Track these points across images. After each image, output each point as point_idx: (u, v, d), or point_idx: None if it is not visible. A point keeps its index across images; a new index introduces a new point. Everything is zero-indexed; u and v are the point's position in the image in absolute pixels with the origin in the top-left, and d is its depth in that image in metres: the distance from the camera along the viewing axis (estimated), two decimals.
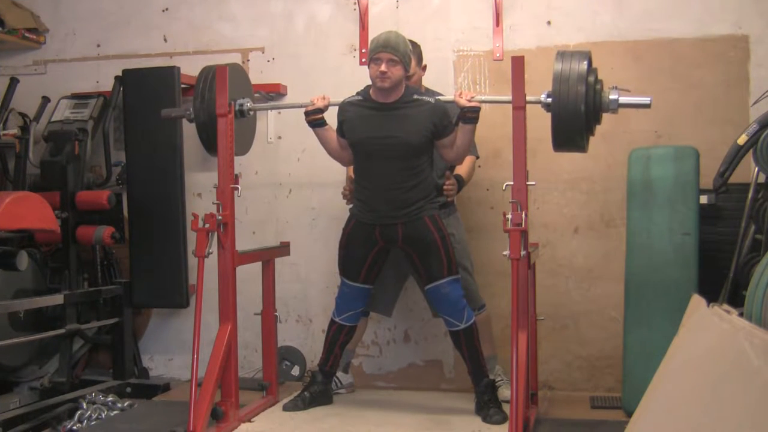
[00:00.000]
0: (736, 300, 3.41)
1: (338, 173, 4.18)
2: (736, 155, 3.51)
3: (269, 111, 4.60)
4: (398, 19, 4.45)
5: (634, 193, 3.67)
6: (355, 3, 4.49)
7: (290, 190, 4.63)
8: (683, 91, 4.12)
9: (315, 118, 3.55)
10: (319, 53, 4.58)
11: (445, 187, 3.73)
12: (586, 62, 3.15)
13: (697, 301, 2.22)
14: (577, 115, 3.11)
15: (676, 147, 3.71)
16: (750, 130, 3.45)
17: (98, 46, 4.90)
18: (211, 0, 4.75)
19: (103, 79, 4.75)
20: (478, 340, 3.54)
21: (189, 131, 4.43)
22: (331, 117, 3.63)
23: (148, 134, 4.39)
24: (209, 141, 3.55)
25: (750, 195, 3.67)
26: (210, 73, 3.55)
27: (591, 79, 3.16)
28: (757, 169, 3.59)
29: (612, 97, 3.18)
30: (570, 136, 3.19)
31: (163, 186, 4.39)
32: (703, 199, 3.74)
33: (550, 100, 3.17)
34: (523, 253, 3.03)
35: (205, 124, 3.54)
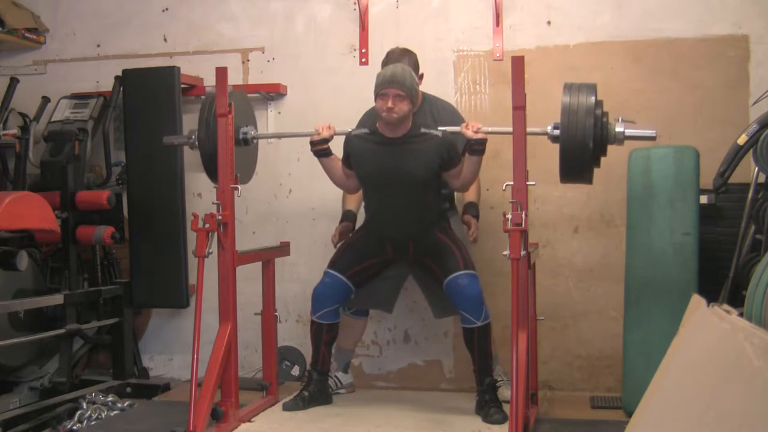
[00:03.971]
0: (736, 300, 3.41)
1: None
2: (736, 155, 3.51)
3: (269, 111, 4.61)
4: (398, 19, 4.45)
5: (634, 193, 3.67)
6: (355, 3, 4.49)
7: (290, 190, 4.63)
8: (683, 91, 4.12)
9: (321, 148, 3.56)
10: (319, 53, 4.58)
11: (471, 236, 3.78)
12: (593, 95, 3.15)
13: (697, 301, 2.23)
14: (584, 149, 3.12)
15: (676, 147, 3.71)
16: (750, 130, 3.45)
17: (98, 46, 4.90)
18: (211, 0, 4.75)
19: (103, 79, 4.75)
20: (490, 339, 3.53)
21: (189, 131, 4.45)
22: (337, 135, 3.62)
23: (148, 134, 4.38)
24: (214, 170, 3.46)
25: (750, 195, 3.67)
26: (212, 102, 3.49)
27: (598, 111, 3.16)
28: (757, 169, 3.58)
29: (618, 129, 3.18)
30: (577, 170, 3.21)
31: (163, 186, 4.39)
32: (703, 199, 3.74)
33: (557, 132, 3.17)
34: (523, 253, 3.03)
35: (211, 155, 3.48)
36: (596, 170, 4.18)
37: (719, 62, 4.08)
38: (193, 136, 3.57)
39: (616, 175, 4.06)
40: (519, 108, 3.17)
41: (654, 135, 3.23)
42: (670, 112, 4.11)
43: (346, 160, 3.59)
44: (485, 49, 4.37)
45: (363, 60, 4.47)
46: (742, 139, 3.47)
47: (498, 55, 4.33)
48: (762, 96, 3.76)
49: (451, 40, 4.41)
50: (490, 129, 3.38)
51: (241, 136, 3.56)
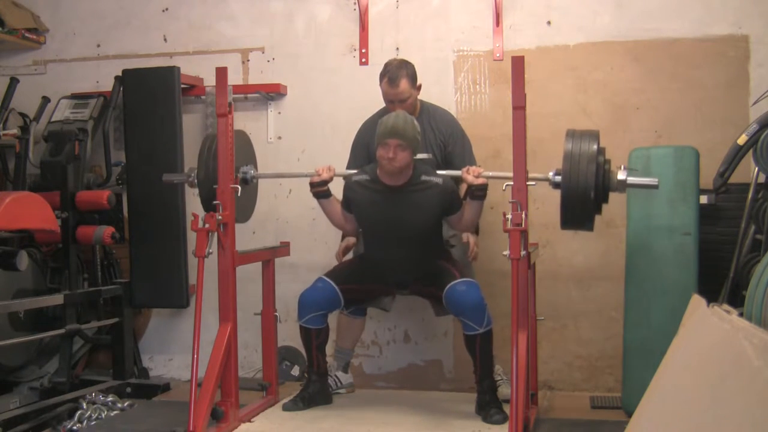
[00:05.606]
0: (736, 300, 3.41)
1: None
2: (736, 155, 3.51)
3: (269, 111, 4.61)
4: (398, 19, 4.45)
5: (635, 192, 3.67)
6: (355, 3, 4.49)
7: (290, 190, 4.63)
8: (683, 91, 4.12)
9: (320, 191, 3.58)
10: (319, 53, 4.58)
11: (470, 253, 3.79)
12: (595, 143, 3.15)
13: (697, 301, 2.22)
14: (586, 198, 3.12)
15: (676, 147, 3.71)
16: (750, 130, 3.45)
17: (98, 46, 4.90)
18: (211, 0, 4.75)
19: (103, 79, 4.75)
20: (492, 345, 3.51)
21: (189, 131, 4.45)
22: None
23: (148, 134, 4.39)
24: (213, 209, 3.42)
25: (750, 195, 3.67)
26: (213, 144, 3.48)
27: (600, 159, 3.15)
28: (757, 169, 3.58)
29: (620, 177, 3.17)
30: (579, 218, 3.21)
31: (163, 186, 4.37)
32: (703, 199, 3.74)
33: (559, 178, 3.17)
34: (523, 253, 3.03)
35: (209, 194, 3.46)
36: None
37: (719, 62, 4.08)
38: (193, 174, 3.58)
39: None
40: (519, 108, 3.18)
41: (656, 184, 3.22)
42: (670, 112, 4.11)
43: (347, 204, 3.62)
44: (485, 49, 4.37)
45: (363, 60, 4.47)
46: (742, 139, 3.47)
47: (498, 55, 4.32)
48: (762, 96, 3.76)
49: (451, 40, 4.41)
50: (491, 174, 3.40)
51: (240, 176, 3.55)
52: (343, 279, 3.61)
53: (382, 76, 3.78)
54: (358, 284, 3.63)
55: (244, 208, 3.74)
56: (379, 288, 3.68)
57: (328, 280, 3.60)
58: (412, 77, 3.78)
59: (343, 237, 3.98)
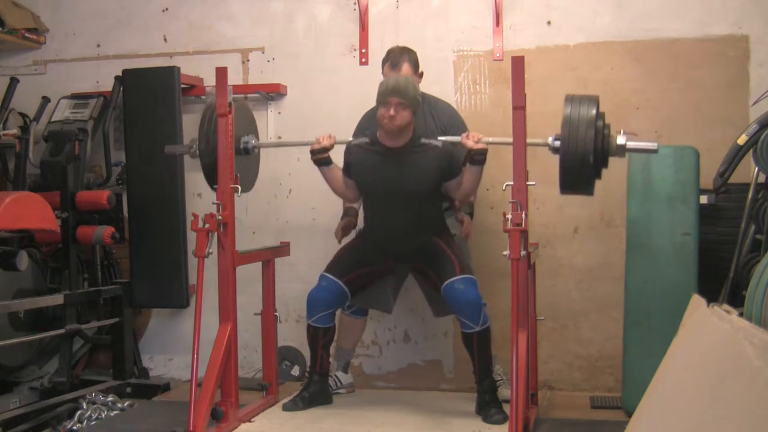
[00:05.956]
0: (736, 300, 3.41)
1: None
2: (736, 155, 3.51)
3: (269, 111, 4.61)
4: (398, 19, 4.45)
5: (634, 192, 3.67)
6: (355, 3, 4.49)
7: (290, 190, 4.63)
8: (683, 91, 4.12)
9: (321, 158, 3.58)
10: (319, 53, 4.58)
11: (464, 232, 3.78)
12: (595, 107, 3.14)
13: (697, 301, 2.22)
14: (585, 162, 3.11)
15: (676, 147, 3.70)
16: (750, 130, 3.45)
17: (98, 46, 4.90)
18: (210, 0, 4.75)
19: (103, 79, 4.75)
20: (490, 343, 3.52)
21: (189, 131, 4.45)
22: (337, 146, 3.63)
23: (148, 134, 4.38)
24: (214, 179, 3.47)
25: (750, 195, 3.67)
26: (213, 114, 3.48)
27: (599, 123, 3.15)
28: (757, 169, 3.58)
29: (620, 142, 3.17)
30: (578, 182, 3.20)
31: (163, 186, 4.39)
32: (703, 199, 3.74)
33: (558, 143, 3.17)
34: (523, 253, 3.03)
35: (210, 165, 3.48)
36: None
37: (719, 62, 4.08)
38: (194, 146, 3.58)
39: (616, 175, 4.06)
40: (519, 108, 3.17)
41: (656, 148, 3.21)
42: (670, 112, 4.11)
43: (347, 169, 3.61)
44: (485, 49, 4.37)
45: (363, 60, 4.47)
46: (742, 139, 3.47)
47: (498, 55, 4.33)
48: (762, 96, 3.76)
49: (451, 40, 4.41)
50: (491, 139, 3.38)
51: (242, 146, 3.56)
52: (345, 270, 3.61)
53: (384, 61, 3.81)
54: (359, 270, 3.62)
55: (247, 178, 3.75)
56: (379, 269, 3.65)
57: (331, 276, 3.60)
58: (414, 63, 3.79)
59: (344, 216, 3.95)
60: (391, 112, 3.36)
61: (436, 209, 3.64)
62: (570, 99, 3.20)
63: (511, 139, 3.18)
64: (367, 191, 3.62)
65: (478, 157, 3.38)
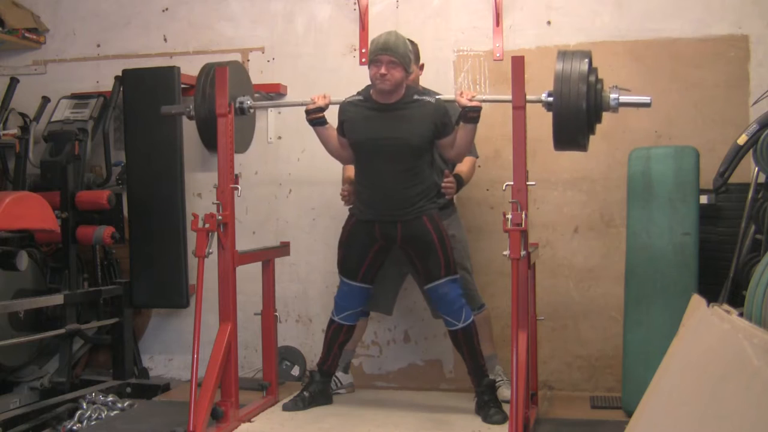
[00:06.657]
0: (736, 300, 3.41)
1: (338, 173, 4.17)
2: (736, 155, 3.51)
3: (269, 111, 4.61)
4: (398, 19, 4.45)
5: (635, 192, 3.67)
6: (355, 3, 4.49)
7: (290, 190, 4.63)
8: (683, 91, 4.12)
9: (316, 117, 3.55)
10: (319, 53, 4.58)
11: (443, 184, 3.71)
12: (587, 62, 3.16)
13: (697, 301, 2.22)
14: (578, 114, 3.12)
15: (676, 147, 3.71)
16: (750, 130, 3.45)
17: (98, 46, 4.90)
18: (210, 0, 4.75)
19: (103, 79, 4.75)
20: (477, 339, 3.54)
21: (189, 131, 4.44)
22: (332, 116, 3.62)
23: (148, 134, 4.39)
24: (209, 138, 3.53)
25: (750, 195, 3.66)
26: (211, 70, 3.54)
27: (592, 78, 3.16)
28: (757, 169, 3.58)
29: (613, 96, 3.19)
30: (571, 136, 3.19)
31: (163, 186, 4.39)
32: (703, 199, 3.74)
33: (551, 99, 3.17)
34: (523, 253, 3.03)
35: (206, 121, 3.52)
36: (596, 170, 4.21)
37: (719, 62, 4.08)
38: (190, 106, 3.59)
39: (616, 175, 4.07)
40: (519, 108, 3.18)
41: (649, 102, 3.23)
42: (670, 112, 4.11)
43: (341, 128, 3.57)
44: (485, 49, 4.37)
45: (363, 60, 4.46)
46: (742, 139, 3.47)
47: (498, 55, 4.32)
48: (762, 96, 3.76)
49: (451, 40, 4.41)
50: (485, 97, 3.37)
51: (237, 106, 3.56)
52: (354, 268, 3.58)
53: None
54: (365, 262, 3.56)
55: (242, 139, 3.76)
56: (377, 249, 3.54)
57: (347, 280, 3.61)
58: (416, 55, 3.77)
59: (344, 182, 3.90)
60: (383, 70, 3.33)
61: (429, 173, 3.53)
62: (562, 54, 3.21)
63: (505, 96, 3.18)
64: (359, 147, 3.51)
65: (472, 114, 3.34)
